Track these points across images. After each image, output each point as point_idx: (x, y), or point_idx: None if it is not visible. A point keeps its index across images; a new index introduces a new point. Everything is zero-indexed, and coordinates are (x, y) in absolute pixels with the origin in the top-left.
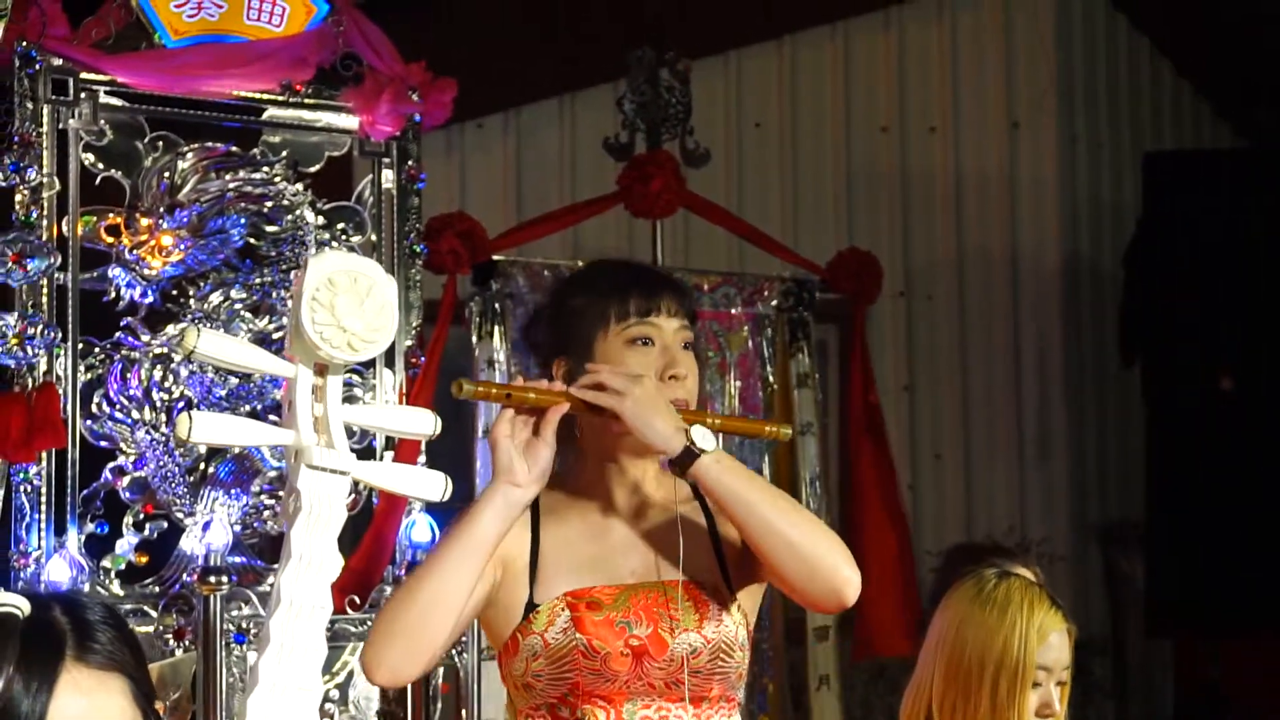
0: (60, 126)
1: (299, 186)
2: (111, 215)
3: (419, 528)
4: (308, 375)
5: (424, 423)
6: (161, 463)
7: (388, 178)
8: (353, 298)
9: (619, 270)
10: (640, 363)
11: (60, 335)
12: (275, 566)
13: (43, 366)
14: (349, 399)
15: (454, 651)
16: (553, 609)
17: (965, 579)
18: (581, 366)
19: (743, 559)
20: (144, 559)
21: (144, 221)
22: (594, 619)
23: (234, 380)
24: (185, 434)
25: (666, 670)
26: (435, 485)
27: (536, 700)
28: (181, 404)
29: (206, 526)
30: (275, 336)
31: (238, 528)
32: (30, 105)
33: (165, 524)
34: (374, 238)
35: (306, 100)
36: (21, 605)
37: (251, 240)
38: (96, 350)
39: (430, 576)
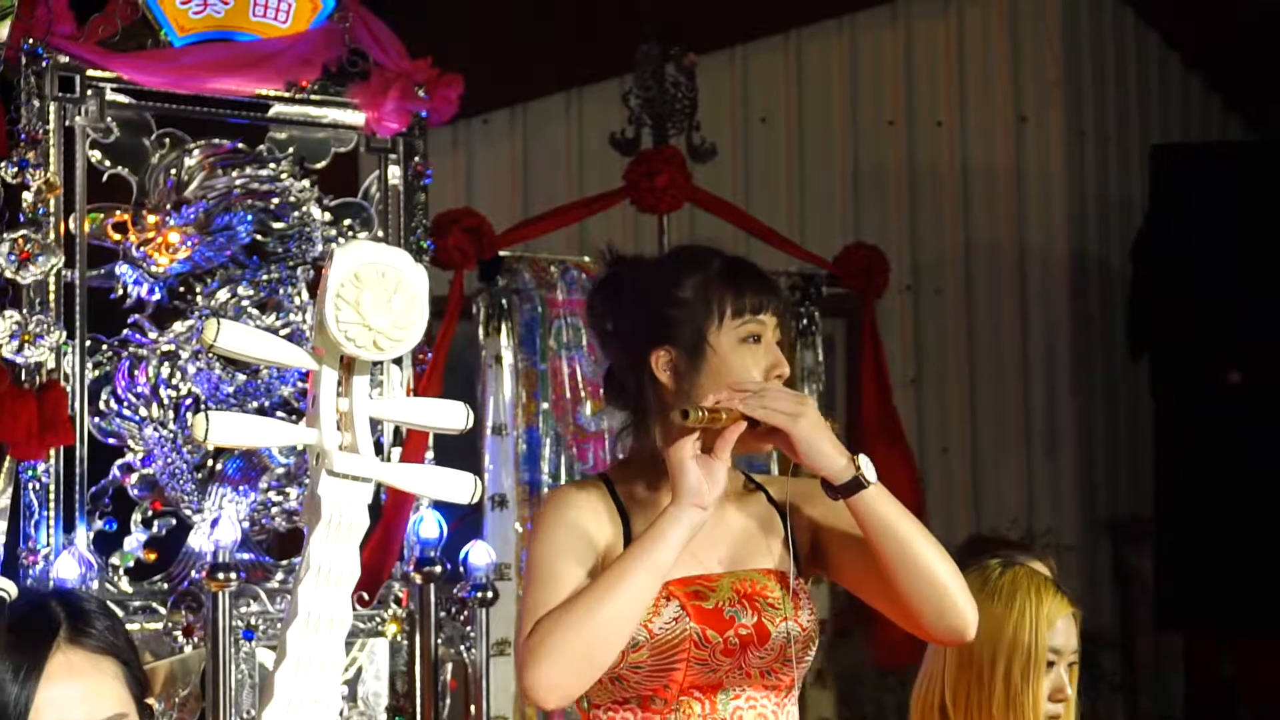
0: (67, 124)
1: (305, 183)
2: (118, 212)
3: (427, 523)
4: (332, 371)
5: (455, 416)
6: (169, 460)
7: (394, 174)
8: (380, 293)
9: (723, 258)
10: (751, 360)
11: (68, 333)
12: (284, 563)
13: (50, 364)
14: None
15: (463, 647)
16: (656, 600)
17: (969, 572)
18: (691, 360)
19: (812, 553)
20: (152, 556)
21: (151, 218)
22: (704, 608)
23: (241, 377)
24: (202, 436)
25: (765, 659)
26: (464, 487)
27: (626, 694)
28: (189, 400)
29: (215, 523)
30: (283, 333)
31: (246, 524)
32: (37, 102)
33: (174, 521)
34: (380, 234)
35: (313, 97)
36: (9, 589)
37: (258, 237)
38: (104, 347)
39: (612, 600)
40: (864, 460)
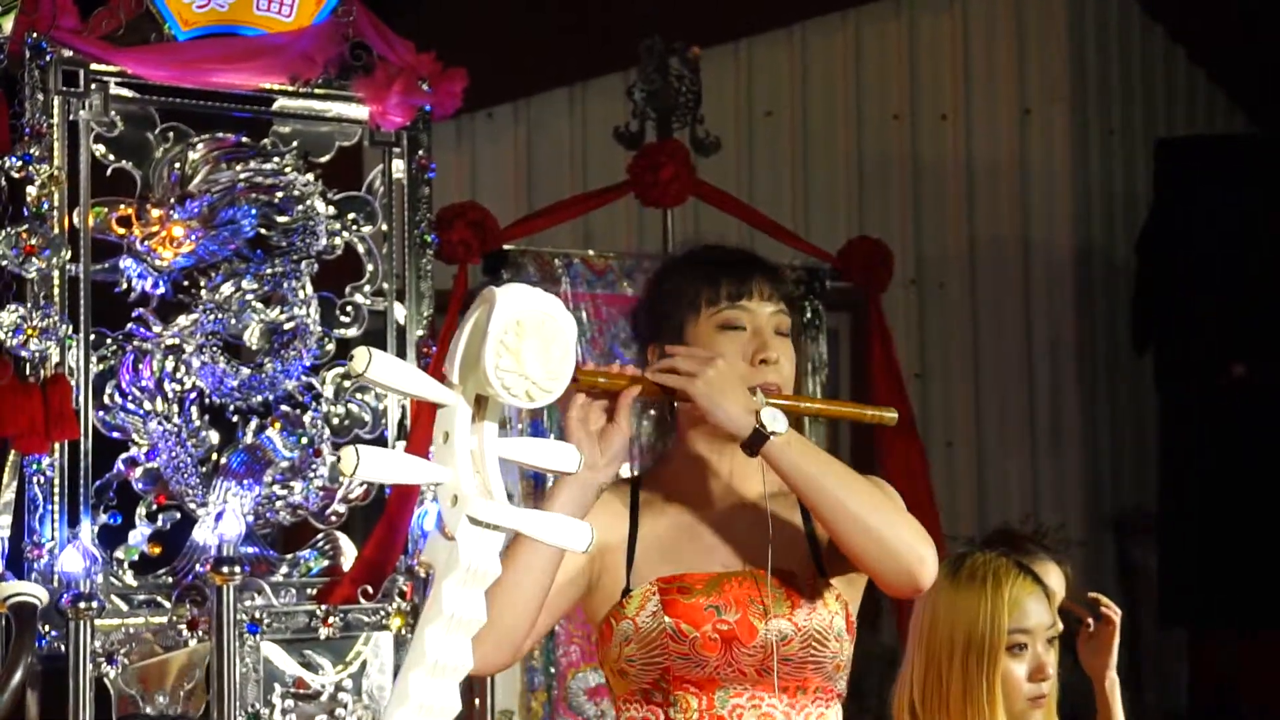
0: (71, 118)
1: (309, 177)
2: (123, 206)
3: (431, 517)
4: (468, 409)
5: (568, 459)
6: (174, 453)
7: (398, 168)
8: (539, 343)
9: (712, 254)
10: (731, 347)
11: (72, 327)
12: (288, 557)
13: (55, 358)
14: (361, 389)
15: None
16: (644, 594)
17: (942, 562)
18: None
19: (832, 550)
20: (157, 550)
21: (155, 212)
22: (684, 602)
23: (245, 371)
24: (350, 470)
25: (756, 657)
26: (583, 536)
27: (632, 686)
28: (193, 394)
29: (219, 517)
30: (286, 327)
31: (250, 518)
32: (41, 97)
33: (178, 514)
34: (384, 227)
35: (317, 91)
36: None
37: (262, 230)
38: (108, 341)
39: (508, 567)
40: (770, 413)
